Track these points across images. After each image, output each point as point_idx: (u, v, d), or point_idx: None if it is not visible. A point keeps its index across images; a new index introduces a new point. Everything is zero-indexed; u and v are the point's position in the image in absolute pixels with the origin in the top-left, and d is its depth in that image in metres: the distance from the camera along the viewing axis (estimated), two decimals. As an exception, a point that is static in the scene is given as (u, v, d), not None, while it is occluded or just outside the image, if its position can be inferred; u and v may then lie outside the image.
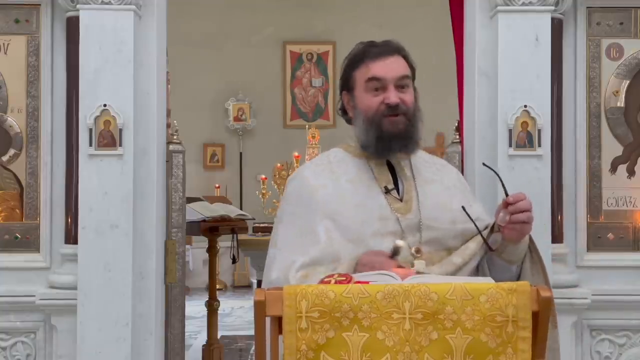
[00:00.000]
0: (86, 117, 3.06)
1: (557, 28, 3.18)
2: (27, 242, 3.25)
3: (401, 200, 2.24)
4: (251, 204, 8.97)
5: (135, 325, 3.09)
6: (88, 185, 3.07)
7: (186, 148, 3.52)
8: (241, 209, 7.78)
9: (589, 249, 3.29)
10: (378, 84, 2.24)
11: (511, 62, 3.10)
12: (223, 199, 8.24)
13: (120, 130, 3.06)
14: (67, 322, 3.12)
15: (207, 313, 5.63)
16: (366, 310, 1.74)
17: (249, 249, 6.15)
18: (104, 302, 3.04)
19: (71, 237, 3.16)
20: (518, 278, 2.25)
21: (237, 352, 6.64)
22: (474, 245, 2.21)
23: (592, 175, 3.29)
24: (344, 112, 2.37)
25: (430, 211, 2.23)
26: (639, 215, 3.29)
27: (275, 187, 7.16)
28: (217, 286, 7.61)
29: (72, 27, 3.15)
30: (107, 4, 3.07)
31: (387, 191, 2.24)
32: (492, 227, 2.25)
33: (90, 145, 3.06)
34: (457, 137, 3.46)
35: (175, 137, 3.48)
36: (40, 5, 3.25)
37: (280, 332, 1.77)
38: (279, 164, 7.29)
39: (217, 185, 10.18)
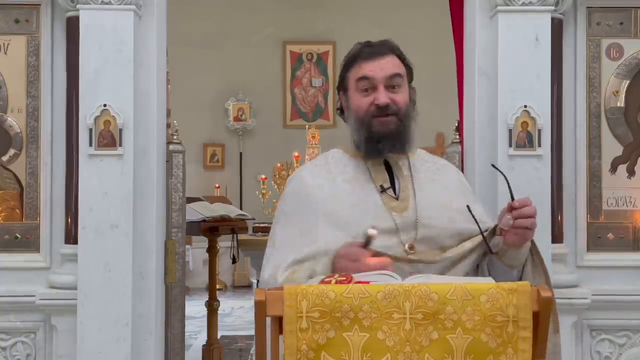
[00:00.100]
0: (86, 117, 3.06)
1: (557, 28, 3.18)
2: (27, 242, 3.25)
3: (397, 199, 2.24)
4: (251, 204, 8.97)
5: (135, 325, 3.09)
6: (88, 185, 3.06)
7: (186, 148, 3.52)
8: (241, 209, 7.78)
9: (589, 249, 3.29)
10: (368, 84, 2.23)
11: (511, 62, 3.10)
12: (223, 199, 8.24)
13: (120, 130, 3.06)
14: (67, 322, 3.12)
15: (207, 313, 5.63)
16: (367, 310, 1.74)
17: (249, 249, 6.14)
18: (104, 302, 3.03)
19: (71, 237, 3.16)
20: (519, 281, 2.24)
21: (237, 352, 6.64)
22: (470, 245, 2.20)
23: (592, 175, 3.29)
24: (341, 112, 2.37)
25: (427, 210, 2.22)
26: (639, 215, 3.29)
27: (275, 187, 7.15)
28: (217, 286, 7.61)
29: (72, 27, 3.15)
30: (107, 4, 3.07)
31: (382, 190, 2.24)
32: (494, 229, 2.24)
33: (90, 145, 3.06)
34: (457, 137, 3.46)
35: (175, 137, 3.48)
36: (40, 5, 3.25)
37: (280, 332, 1.77)
38: (279, 164, 7.28)
39: (217, 185, 10.18)
